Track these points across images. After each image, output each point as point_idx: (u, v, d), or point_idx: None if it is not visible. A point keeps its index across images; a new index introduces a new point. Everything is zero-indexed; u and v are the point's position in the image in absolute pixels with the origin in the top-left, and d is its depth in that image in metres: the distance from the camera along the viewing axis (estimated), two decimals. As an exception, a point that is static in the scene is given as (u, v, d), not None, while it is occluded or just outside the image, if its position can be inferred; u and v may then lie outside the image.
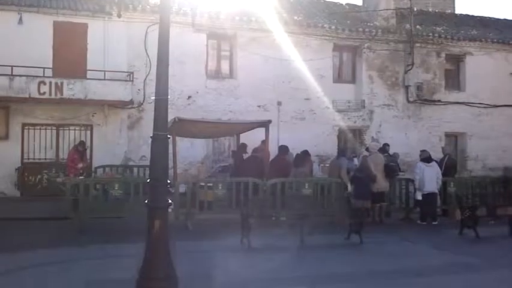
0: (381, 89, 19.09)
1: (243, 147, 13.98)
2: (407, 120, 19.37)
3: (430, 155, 13.10)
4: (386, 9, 19.78)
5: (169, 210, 5.76)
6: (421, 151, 13.43)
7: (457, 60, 20.37)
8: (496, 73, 20.01)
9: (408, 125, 19.34)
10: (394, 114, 19.22)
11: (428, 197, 12.39)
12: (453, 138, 20.33)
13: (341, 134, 18.57)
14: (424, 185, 12.39)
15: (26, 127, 15.62)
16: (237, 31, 17.26)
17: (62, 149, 15.68)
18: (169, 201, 5.57)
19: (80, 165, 13.24)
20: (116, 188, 11.17)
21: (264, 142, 13.51)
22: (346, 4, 21.92)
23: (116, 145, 16.12)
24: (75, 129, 16.00)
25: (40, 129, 15.74)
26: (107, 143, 16.02)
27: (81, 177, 12.34)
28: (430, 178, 12.38)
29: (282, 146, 14.48)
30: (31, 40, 15.07)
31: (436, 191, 12.51)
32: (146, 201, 5.49)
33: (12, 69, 14.46)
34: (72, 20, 15.78)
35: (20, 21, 15.12)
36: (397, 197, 13.61)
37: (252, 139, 14.34)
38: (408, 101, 19.38)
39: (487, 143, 20.05)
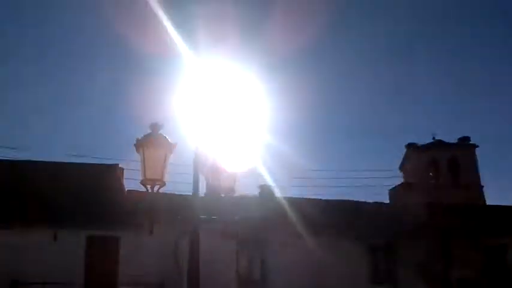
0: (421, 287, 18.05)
1: None
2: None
3: None
4: (416, 205, 19.77)
5: None
6: None
7: (496, 252, 19.49)
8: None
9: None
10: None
11: None
12: None
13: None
14: None
15: None
16: (268, 235, 17.21)
17: None
18: None
19: None
20: None
21: None
22: (374, 202, 22.09)
23: None
24: None
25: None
26: None
27: None
28: None
29: None
30: (64, 255, 15.19)
31: None
32: None
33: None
34: (104, 234, 16.06)
35: (55, 238, 15.46)
36: None
37: None
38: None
39: None
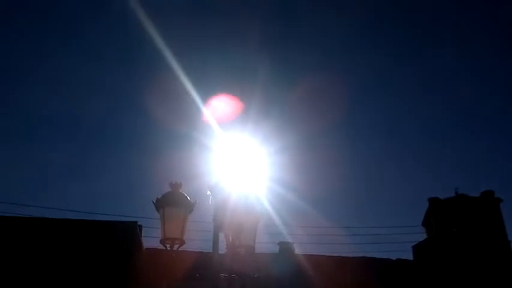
0: None
1: None
2: None
3: None
4: (441, 261, 19.18)
5: None
6: None
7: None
8: None
9: None
10: None
11: None
12: None
13: None
14: None
15: None
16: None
17: None
18: None
19: None
20: None
21: None
22: (397, 259, 21.46)
23: None
24: None
25: None
26: None
27: None
28: None
29: None
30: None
31: None
32: None
33: None
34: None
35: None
36: None
37: None
38: None
39: None
